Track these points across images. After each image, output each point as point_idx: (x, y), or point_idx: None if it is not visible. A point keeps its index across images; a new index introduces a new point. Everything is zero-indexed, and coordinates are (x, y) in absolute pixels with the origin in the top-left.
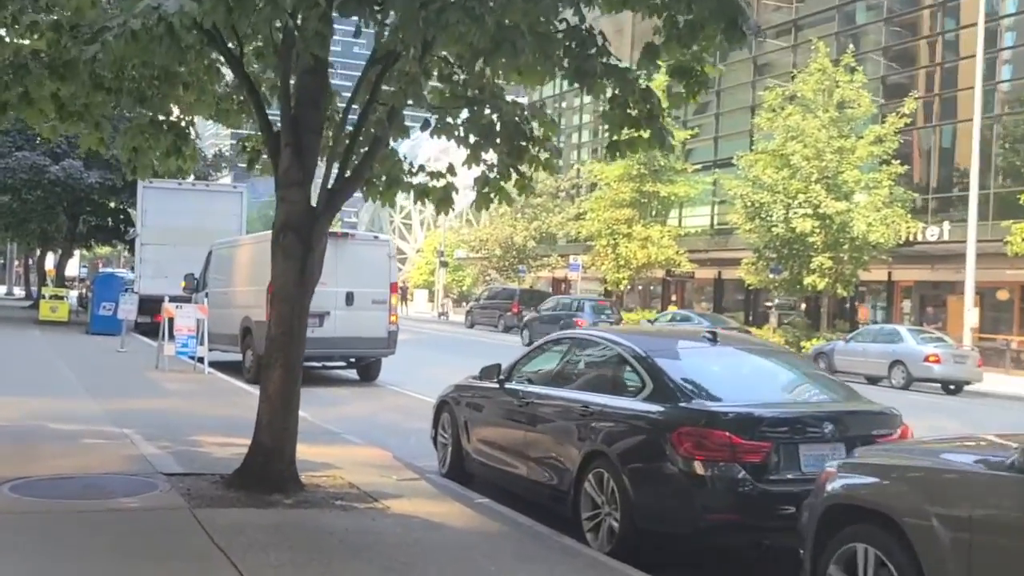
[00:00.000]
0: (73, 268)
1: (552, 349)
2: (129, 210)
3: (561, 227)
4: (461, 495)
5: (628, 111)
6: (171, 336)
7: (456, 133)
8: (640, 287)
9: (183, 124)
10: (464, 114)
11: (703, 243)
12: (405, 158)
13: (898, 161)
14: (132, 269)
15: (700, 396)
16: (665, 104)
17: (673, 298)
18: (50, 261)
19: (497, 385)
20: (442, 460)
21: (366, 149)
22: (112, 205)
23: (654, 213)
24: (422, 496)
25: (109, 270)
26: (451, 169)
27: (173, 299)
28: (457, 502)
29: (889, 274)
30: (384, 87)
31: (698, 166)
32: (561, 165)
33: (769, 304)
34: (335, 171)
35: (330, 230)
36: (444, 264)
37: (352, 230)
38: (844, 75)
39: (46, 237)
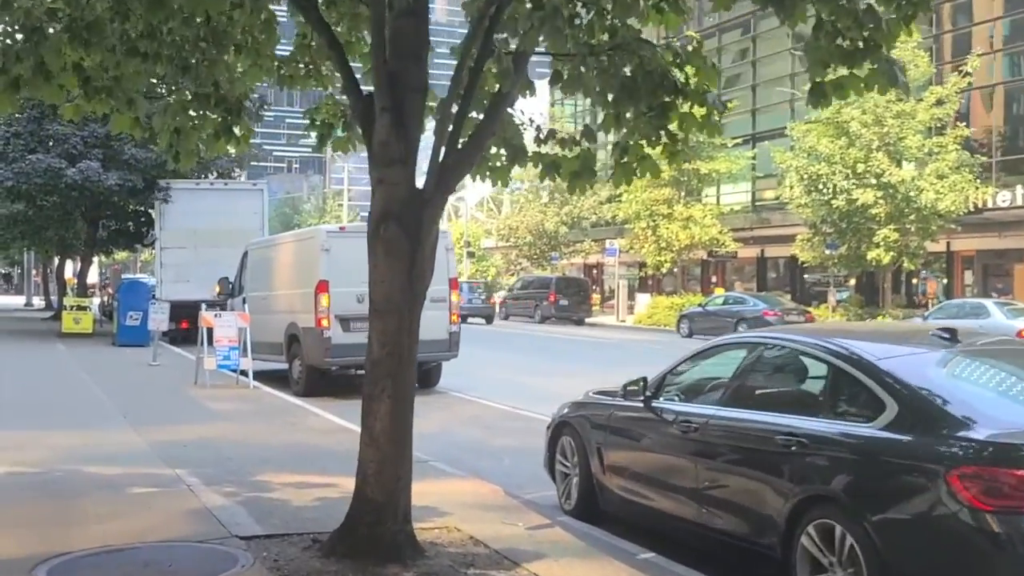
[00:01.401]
0: (91, 275)
1: (719, 357)
2: (150, 212)
3: (593, 211)
4: (617, 549)
5: (840, 42)
6: (210, 346)
7: (593, 87)
8: (677, 270)
9: (235, 98)
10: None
11: (744, 221)
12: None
13: (963, 124)
14: (152, 274)
15: (973, 420)
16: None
17: (713, 279)
18: (68, 269)
19: (642, 404)
20: (564, 493)
21: (485, 110)
22: (132, 208)
23: (694, 192)
24: (569, 553)
25: (133, 276)
26: (589, 134)
27: (209, 306)
28: (617, 560)
29: (948, 244)
30: (497, 35)
31: (737, 140)
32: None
33: (823, 281)
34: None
35: None
36: (471, 255)
37: None
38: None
39: (64, 244)
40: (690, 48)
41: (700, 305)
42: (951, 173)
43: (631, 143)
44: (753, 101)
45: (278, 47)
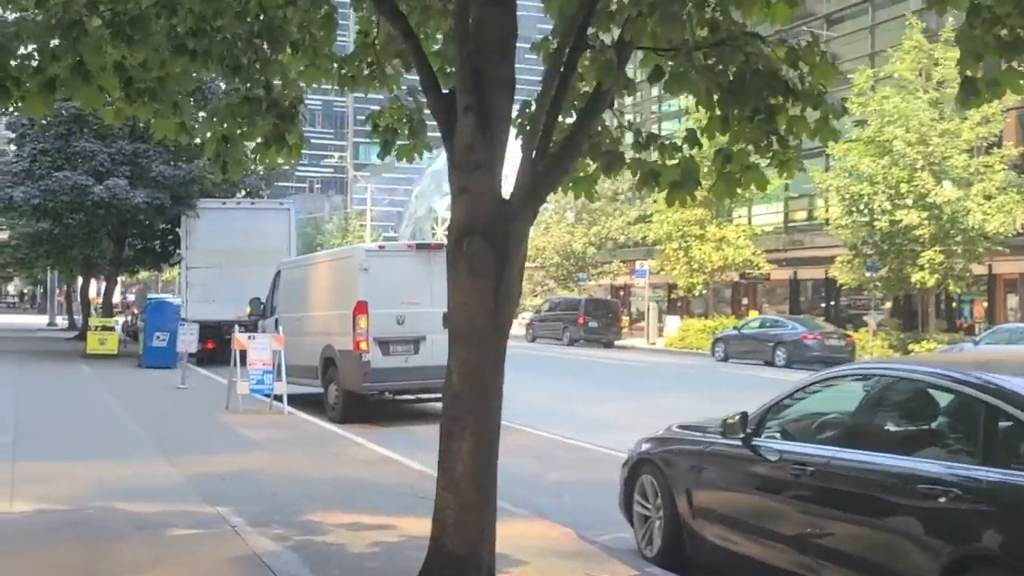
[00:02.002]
0: (114, 294)
1: (832, 391)
2: (177, 230)
3: (622, 231)
4: None
5: (998, 31)
6: (243, 368)
7: (701, 86)
8: (707, 292)
9: (288, 103)
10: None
11: (776, 242)
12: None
13: (1011, 142)
14: (175, 293)
15: None
16: None
17: (744, 301)
18: (92, 288)
19: (741, 441)
20: (645, 538)
21: (580, 111)
22: (160, 226)
23: (724, 212)
24: None
25: (158, 296)
26: (692, 139)
27: (243, 327)
28: None
29: (990, 267)
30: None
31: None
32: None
33: (857, 303)
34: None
35: (422, 241)
36: None
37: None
38: (944, 50)
39: (89, 263)
40: (804, 43)
41: (735, 328)
42: (998, 194)
43: (735, 150)
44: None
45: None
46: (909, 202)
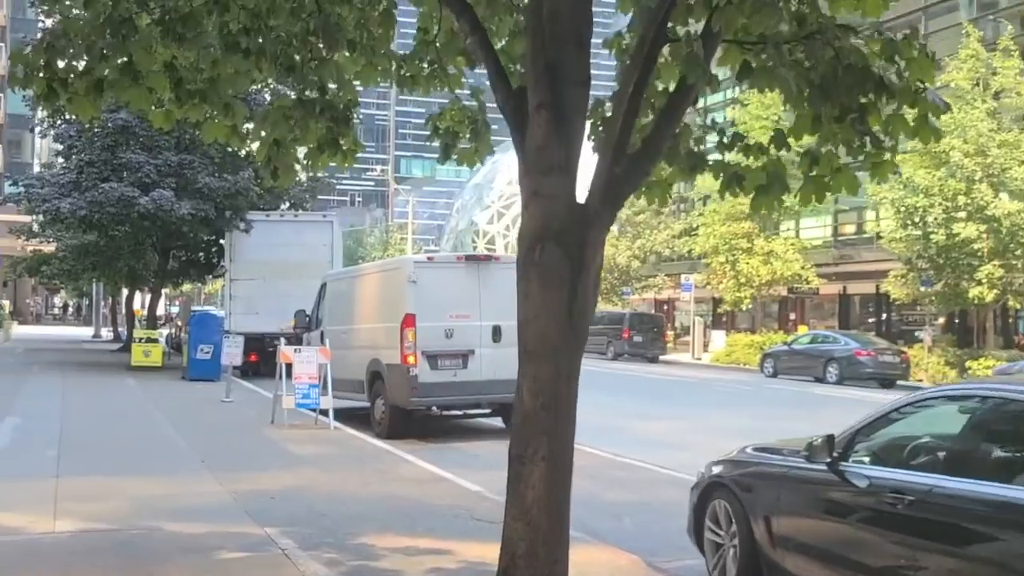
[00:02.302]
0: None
1: (929, 413)
2: (221, 242)
3: (667, 245)
4: None
5: None
6: (288, 381)
7: (790, 82)
8: (752, 306)
9: (343, 105)
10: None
11: (826, 256)
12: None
13: None
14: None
15: None
16: None
17: (791, 316)
18: (136, 301)
19: (826, 466)
20: (717, 567)
21: (663, 107)
22: (205, 238)
23: (773, 225)
24: None
25: (202, 308)
26: (779, 139)
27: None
28: None
29: None
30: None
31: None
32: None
33: (909, 319)
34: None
35: (471, 253)
36: None
37: (496, 252)
38: (1002, 60)
39: (134, 276)
40: (900, 36)
41: (785, 343)
42: None
43: (823, 151)
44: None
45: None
46: (966, 215)
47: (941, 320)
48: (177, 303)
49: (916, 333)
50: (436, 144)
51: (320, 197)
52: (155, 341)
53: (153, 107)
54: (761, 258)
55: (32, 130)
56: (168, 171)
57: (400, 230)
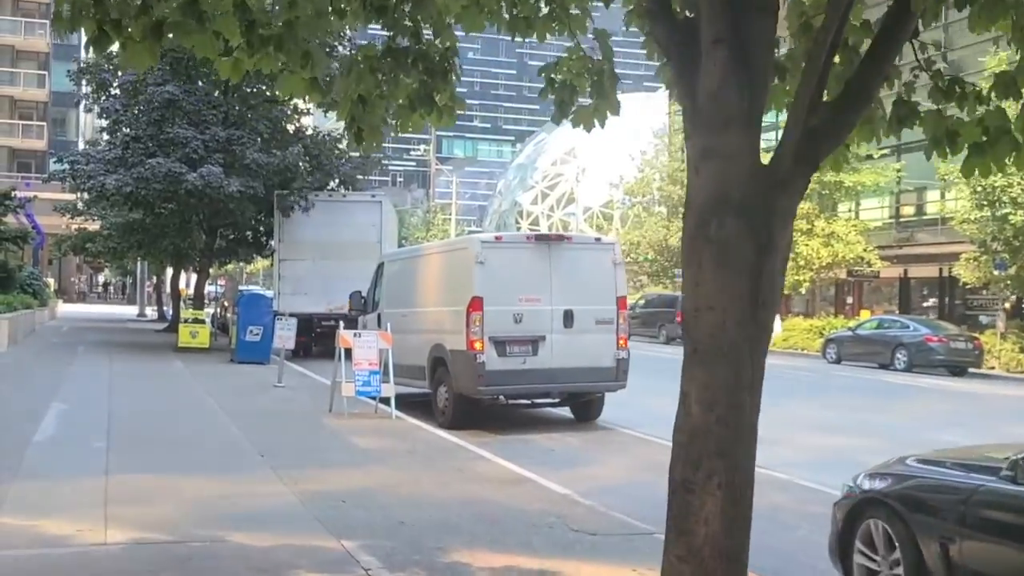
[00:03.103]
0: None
1: None
2: (270, 220)
3: None
4: None
5: None
6: (347, 367)
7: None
8: (809, 289)
9: (439, 56)
10: None
11: (886, 238)
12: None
13: None
14: (264, 285)
15: None
16: None
17: (849, 300)
18: (181, 280)
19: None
20: None
21: (871, 46)
22: (253, 216)
23: (831, 206)
24: None
25: (250, 288)
26: (1007, 85)
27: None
28: None
29: None
30: None
31: (886, 151)
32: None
33: (975, 304)
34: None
35: (542, 232)
36: None
37: (568, 233)
38: None
39: (180, 254)
40: None
41: (849, 328)
42: None
43: None
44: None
45: None
46: None
47: (1007, 305)
48: (219, 283)
49: (980, 318)
50: (551, 99)
51: (360, 176)
52: (202, 322)
53: (220, 55)
54: (821, 240)
55: (77, 103)
56: (216, 147)
57: (442, 211)
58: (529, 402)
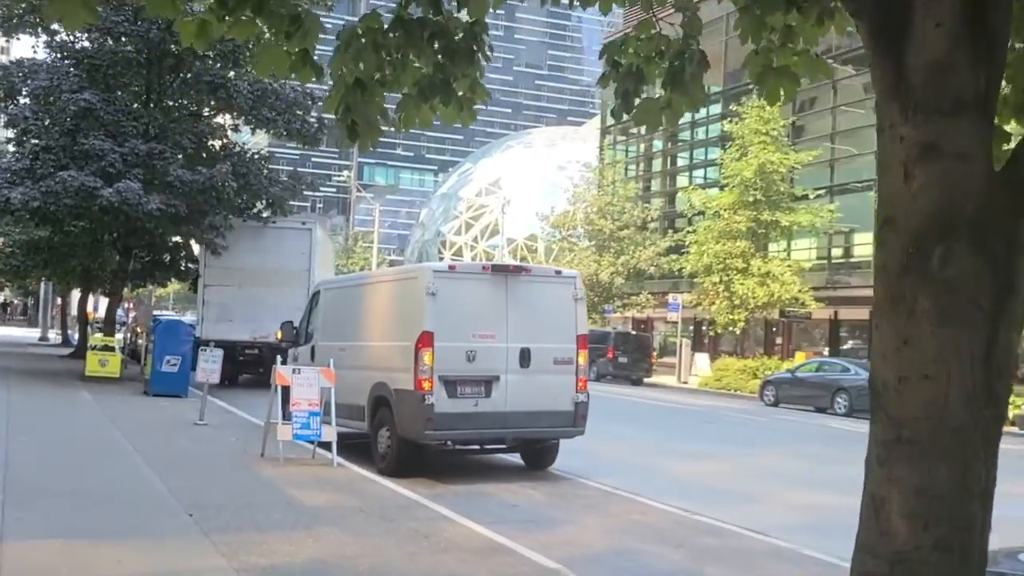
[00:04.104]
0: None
1: None
2: (192, 244)
3: (651, 262)
4: None
5: None
6: (285, 411)
7: None
8: (741, 329)
9: (462, 31)
10: None
11: (818, 279)
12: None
13: None
14: (185, 311)
15: None
16: None
17: (778, 341)
18: (88, 303)
19: None
20: None
21: None
22: (174, 239)
23: (762, 246)
24: None
25: (166, 314)
26: None
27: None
28: None
29: None
30: None
31: (820, 191)
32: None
33: None
34: None
35: (498, 262)
36: None
37: (527, 264)
38: None
39: (89, 275)
40: None
41: (789, 371)
42: None
43: None
44: (832, 152)
45: None
46: None
47: None
48: (126, 306)
49: None
50: (613, 87)
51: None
52: (113, 349)
53: (183, 15)
54: (757, 279)
55: None
56: (135, 161)
57: (363, 238)
58: (478, 448)
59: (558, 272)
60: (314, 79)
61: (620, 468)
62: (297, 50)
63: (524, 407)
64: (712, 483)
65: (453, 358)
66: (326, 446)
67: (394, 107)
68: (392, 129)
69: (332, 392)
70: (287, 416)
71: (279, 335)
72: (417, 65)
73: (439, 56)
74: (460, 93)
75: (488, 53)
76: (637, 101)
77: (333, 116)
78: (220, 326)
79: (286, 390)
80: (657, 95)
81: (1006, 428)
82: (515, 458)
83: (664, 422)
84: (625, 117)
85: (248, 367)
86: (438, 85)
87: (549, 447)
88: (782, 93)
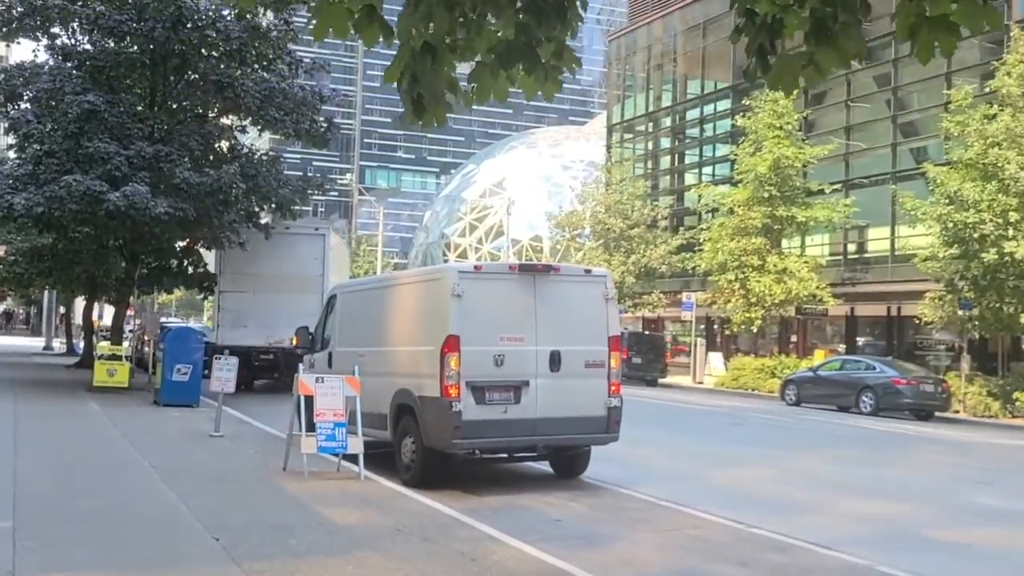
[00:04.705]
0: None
1: None
2: (202, 251)
3: (663, 261)
4: None
5: None
6: (308, 422)
7: None
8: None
9: None
10: None
11: (834, 275)
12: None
13: None
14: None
15: None
16: None
17: (793, 339)
18: (94, 311)
19: None
20: None
21: None
22: (180, 244)
23: (776, 242)
24: None
25: (176, 321)
26: None
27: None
28: None
29: None
30: None
31: (837, 186)
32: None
33: (924, 344)
34: None
35: (527, 261)
36: None
37: (556, 263)
38: None
39: (94, 283)
40: None
41: (811, 369)
42: None
43: None
44: (847, 146)
45: None
46: (1020, 232)
47: (961, 347)
48: (132, 313)
49: (927, 358)
50: (742, 40)
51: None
52: (120, 358)
53: None
54: (774, 276)
55: None
56: (142, 164)
57: (366, 241)
58: (506, 456)
59: (588, 271)
60: (381, 40)
61: (657, 476)
62: (361, 7)
63: (555, 413)
64: (757, 491)
65: (481, 363)
66: (350, 458)
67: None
68: (461, 103)
69: (358, 401)
70: (310, 427)
71: (295, 340)
72: (494, 27)
73: (521, 15)
74: (544, 60)
75: (581, 10)
76: (772, 60)
77: (395, 86)
78: (236, 332)
79: (309, 400)
80: (797, 50)
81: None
82: (543, 466)
83: (689, 424)
84: (759, 78)
85: (263, 372)
86: (520, 50)
87: (580, 454)
88: (937, 49)
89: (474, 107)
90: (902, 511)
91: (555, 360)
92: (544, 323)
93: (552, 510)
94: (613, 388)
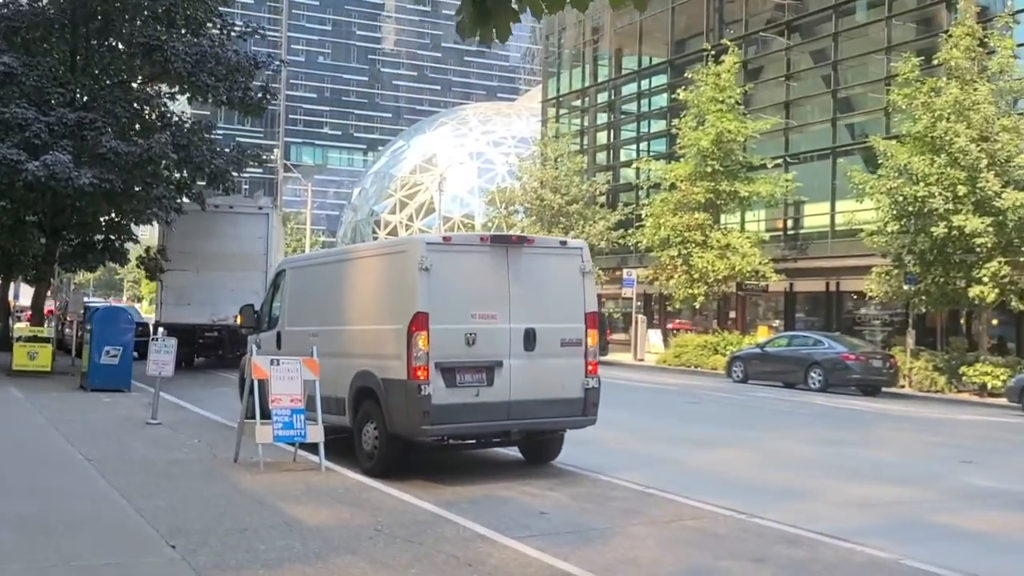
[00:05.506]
0: (26, 297)
1: None
2: (132, 226)
3: (602, 237)
4: None
5: None
6: (263, 408)
7: None
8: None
9: None
10: None
11: (774, 250)
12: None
13: None
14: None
15: None
16: None
17: (732, 315)
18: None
19: None
20: None
21: None
22: (109, 218)
23: (722, 217)
24: None
25: (99, 301)
26: None
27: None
28: None
29: None
30: None
31: (778, 161)
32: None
33: (862, 319)
34: None
35: (499, 233)
36: None
37: (530, 235)
38: (1000, 39)
39: (10, 261)
40: None
41: (758, 346)
42: None
43: None
44: (786, 122)
45: None
46: (972, 206)
47: (901, 321)
48: (67, 293)
49: (864, 333)
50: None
51: (201, 184)
52: (44, 340)
53: None
54: (716, 252)
55: None
56: (63, 131)
57: (294, 218)
58: (474, 442)
59: (563, 243)
60: None
61: (631, 460)
62: None
63: (530, 395)
64: (742, 475)
65: (451, 342)
66: (308, 447)
67: None
68: (528, 12)
69: (317, 385)
70: (265, 414)
71: (239, 319)
72: None
73: None
74: None
75: None
76: None
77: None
78: (179, 310)
79: (262, 384)
80: None
81: (985, 399)
82: (511, 451)
83: (644, 403)
84: None
85: (208, 350)
86: None
87: (554, 439)
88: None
89: (401, 83)
90: (901, 495)
91: (530, 338)
92: (518, 299)
93: (534, 501)
94: (590, 368)
